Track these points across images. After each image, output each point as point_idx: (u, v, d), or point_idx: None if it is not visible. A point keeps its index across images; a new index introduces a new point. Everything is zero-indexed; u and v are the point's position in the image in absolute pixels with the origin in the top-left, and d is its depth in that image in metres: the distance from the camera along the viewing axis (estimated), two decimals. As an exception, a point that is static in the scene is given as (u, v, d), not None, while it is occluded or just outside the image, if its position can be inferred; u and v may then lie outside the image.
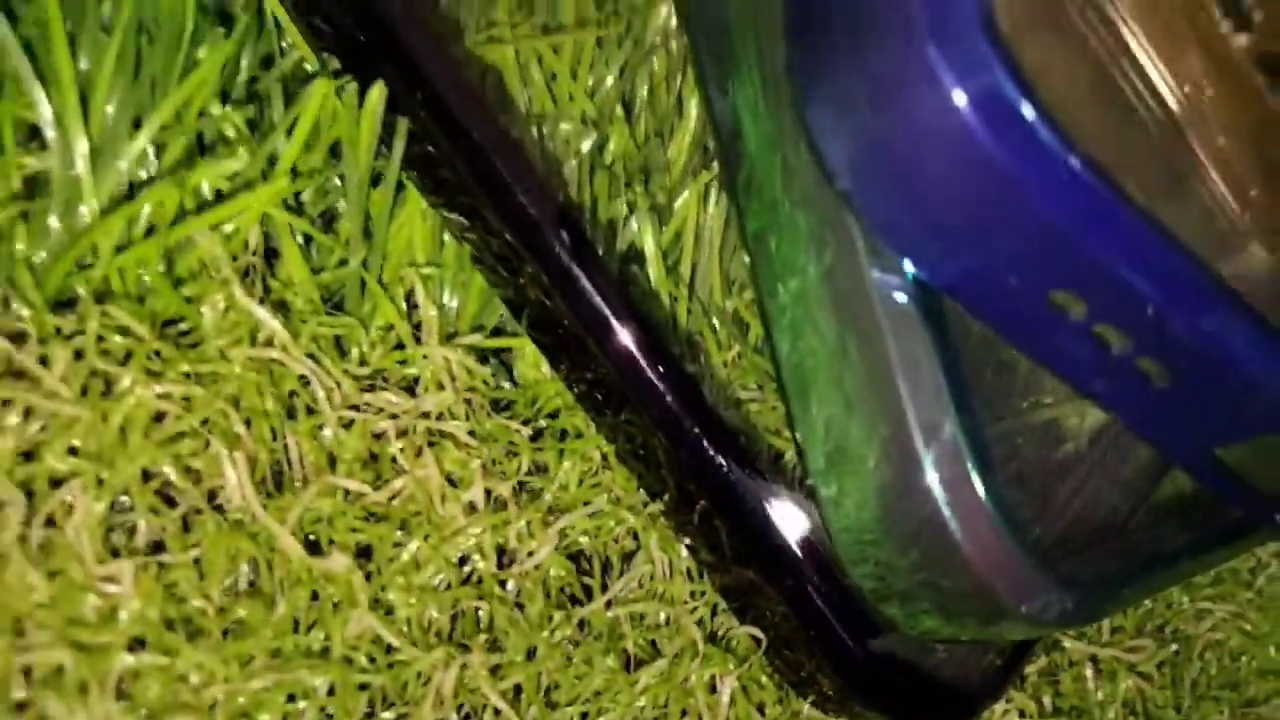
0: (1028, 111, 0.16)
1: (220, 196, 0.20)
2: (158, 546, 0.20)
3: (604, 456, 0.24)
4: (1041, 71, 0.17)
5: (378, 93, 0.21)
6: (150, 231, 0.20)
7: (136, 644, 0.19)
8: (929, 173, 0.17)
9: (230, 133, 0.20)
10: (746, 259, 0.24)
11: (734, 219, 0.25)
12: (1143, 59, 0.18)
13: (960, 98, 0.17)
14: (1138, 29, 0.18)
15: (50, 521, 0.19)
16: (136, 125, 0.20)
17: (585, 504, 0.23)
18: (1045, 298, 0.17)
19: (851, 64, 0.17)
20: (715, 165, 0.25)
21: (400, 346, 0.22)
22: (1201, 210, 0.20)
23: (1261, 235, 0.19)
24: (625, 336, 0.23)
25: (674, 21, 0.25)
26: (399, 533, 0.20)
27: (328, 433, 0.21)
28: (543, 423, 0.24)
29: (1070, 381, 0.19)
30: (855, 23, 0.17)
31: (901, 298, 0.20)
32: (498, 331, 0.24)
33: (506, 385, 0.23)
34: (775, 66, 0.22)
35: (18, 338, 0.20)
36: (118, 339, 0.20)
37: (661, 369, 0.23)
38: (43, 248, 0.20)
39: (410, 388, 0.22)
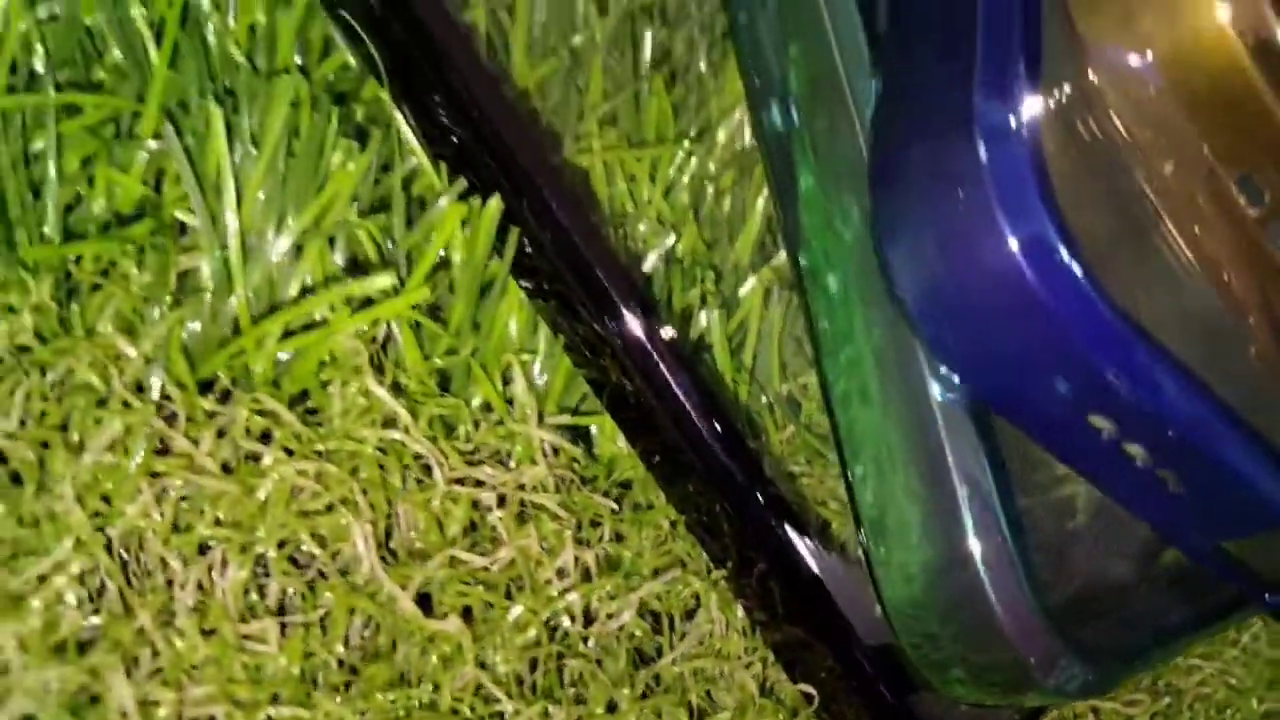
0: (1073, 262, 0.19)
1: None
2: (282, 605, 0.23)
3: (672, 524, 0.26)
4: (1080, 220, 0.20)
5: (495, 205, 0.23)
6: (288, 331, 0.22)
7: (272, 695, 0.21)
8: (988, 309, 0.20)
9: (364, 239, 0.23)
10: (806, 329, 0.26)
11: (792, 308, 0.28)
12: (1162, 208, 0.21)
13: (1015, 245, 0.20)
14: (1162, 184, 0.21)
15: (198, 584, 0.21)
16: (279, 228, 0.23)
17: (657, 571, 0.25)
18: (1084, 420, 0.20)
19: (926, 209, 0.20)
20: (774, 261, 0.28)
21: (499, 422, 0.25)
22: (1210, 332, 0.23)
23: (1261, 355, 0.22)
24: (696, 415, 0.26)
25: (736, 141, 0.28)
26: (505, 599, 0.23)
27: (436, 503, 0.24)
28: (617, 492, 0.26)
29: (1095, 483, 0.22)
30: (931, 175, 0.20)
31: (947, 388, 0.23)
32: (578, 411, 0.26)
33: (588, 460, 0.26)
34: (829, 151, 0.25)
35: (169, 417, 0.22)
36: (258, 419, 0.22)
37: (728, 445, 0.26)
38: (194, 336, 0.22)
39: (504, 459, 0.25)
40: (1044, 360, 0.20)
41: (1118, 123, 0.20)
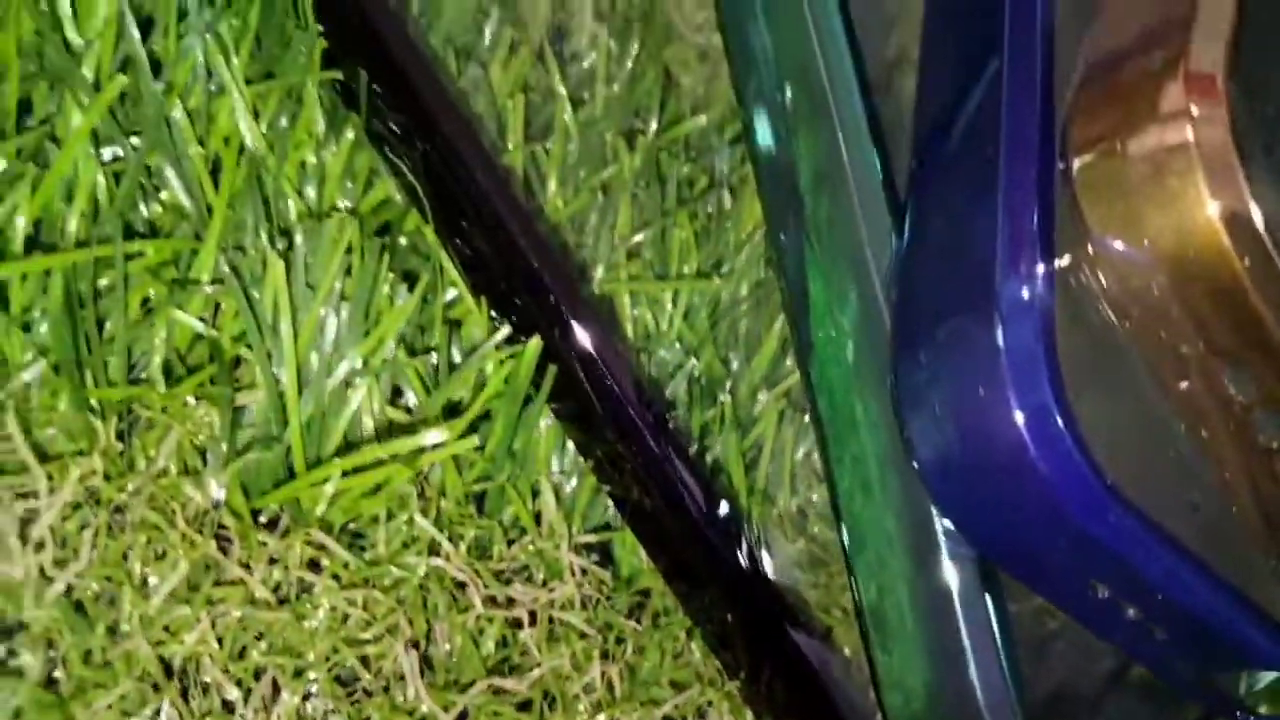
0: (1069, 435, 0.21)
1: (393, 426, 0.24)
2: None
3: (688, 633, 0.28)
4: (1077, 394, 0.22)
5: (535, 345, 0.25)
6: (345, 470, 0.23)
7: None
8: (994, 478, 0.22)
9: (411, 376, 0.24)
10: (816, 441, 0.28)
11: (803, 427, 0.30)
12: (1154, 386, 0.23)
13: (1020, 418, 0.21)
14: (1155, 366, 0.22)
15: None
16: (332, 367, 0.24)
17: (674, 684, 0.27)
18: (1084, 584, 0.22)
19: (944, 380, 0.22)
20: (786, 382, 0.30)
21: (530, 542, 0.26)
22: (1194, 490, 0.25)
23: (1241, 512, 0.24)
24: (711, 530, 0.27)
25: (755, 268, 0.29)
26: None
27: (471, 623, 0.25)
28: (637, 599, 0.28)
29: (1089, 629, 0.24)
30: (950, 348, 0.22)
31: (956, 544, 0.25)
32: (601, 528, 0.28)
33: (615, 582, 0.27)
34: (830, 240, 0.26)
35: (222, 540, 0.23)
36: (309, 549, 0.24)
37: (745, 559, 0.28)
38: (250, 469, 0.23)
39: (533, 573, 0.26)
40: (1043, 528, 0.22)
41: (1117, 307, 0.22)
